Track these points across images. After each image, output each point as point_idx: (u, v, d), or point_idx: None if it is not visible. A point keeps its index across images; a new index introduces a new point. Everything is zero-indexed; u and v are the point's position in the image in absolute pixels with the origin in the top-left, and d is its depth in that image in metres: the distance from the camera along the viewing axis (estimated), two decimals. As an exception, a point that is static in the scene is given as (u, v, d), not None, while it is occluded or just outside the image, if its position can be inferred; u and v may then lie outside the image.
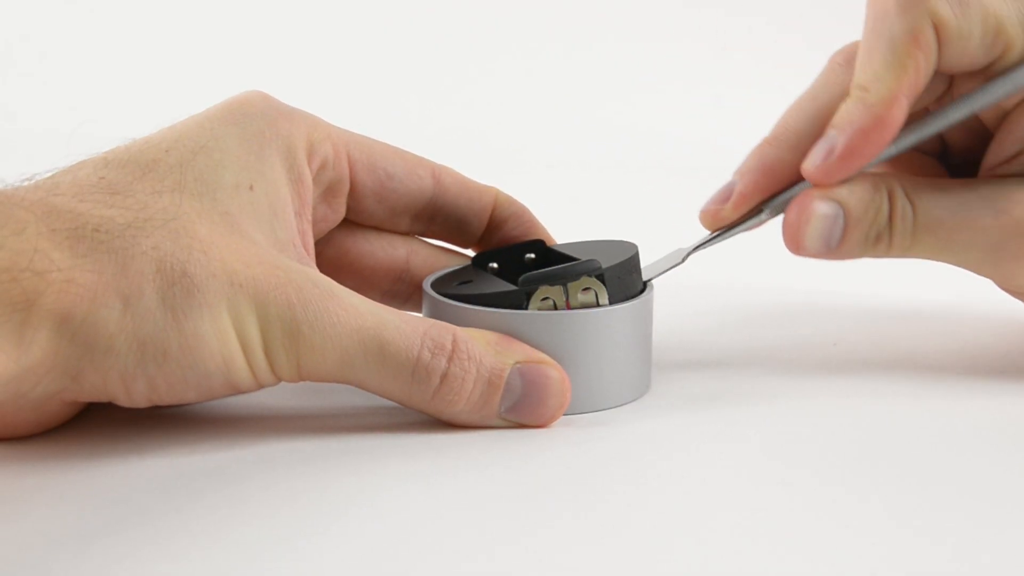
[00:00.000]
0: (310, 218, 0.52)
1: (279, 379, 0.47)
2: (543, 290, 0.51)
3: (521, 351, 0.49)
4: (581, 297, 0.51)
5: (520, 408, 0.49)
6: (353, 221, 0.55)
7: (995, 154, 0.54)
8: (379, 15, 1.26)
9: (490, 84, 1.21)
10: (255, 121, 0.50)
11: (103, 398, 0.46)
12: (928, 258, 0.54)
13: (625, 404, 0.53)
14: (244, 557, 0.41)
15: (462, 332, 0.49)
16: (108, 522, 0.43)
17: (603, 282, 0.51)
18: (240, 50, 1.22)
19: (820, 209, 0.52)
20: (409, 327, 0.48)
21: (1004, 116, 0.54)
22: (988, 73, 0.53)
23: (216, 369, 0.46)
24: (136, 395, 0.46)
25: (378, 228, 0.56)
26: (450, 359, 0.48)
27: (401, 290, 0.57)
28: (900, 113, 0.51)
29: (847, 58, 0.56)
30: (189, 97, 0.55)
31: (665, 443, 0.49)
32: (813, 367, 0.58)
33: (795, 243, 0.53)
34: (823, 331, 0.63)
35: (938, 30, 0.51)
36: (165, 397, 0.46)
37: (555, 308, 0.51)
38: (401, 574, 0.40)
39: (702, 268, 0.69)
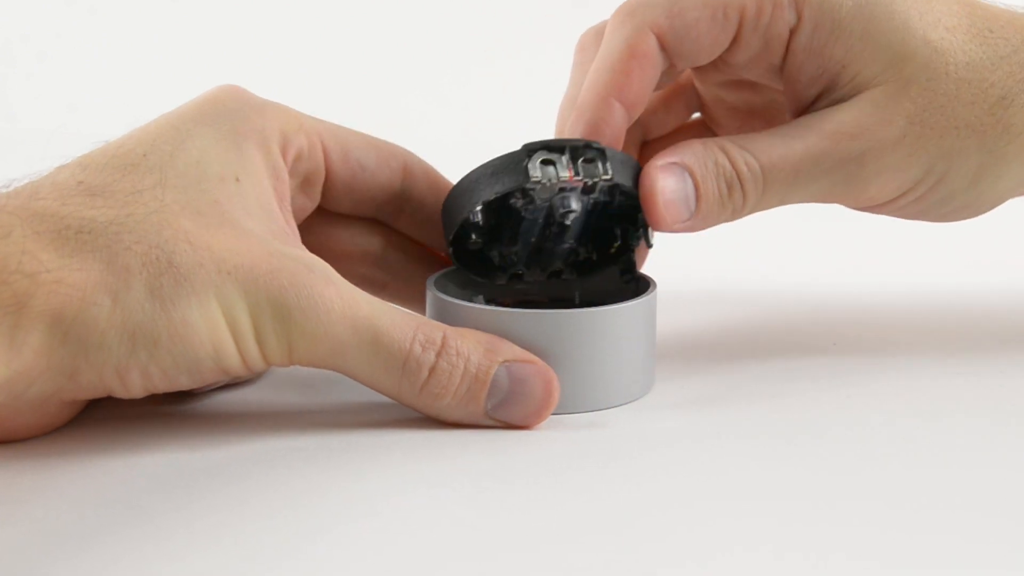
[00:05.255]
0: (290, 209, 0.52)
1: (270, 364, 0.48)
2: (544, 153, 0.51)
3: (510, 351, 0.50)
4: (584, 166, 0.51)
5: (506, 407, 0.49)
6: (324, 208, 0.55)
7: (796, 105, 0.55)
8: (381, 12, 1.26)
9: (490, 82, 1.21)
10: (229, 118, 0.51)
11: (101, 394, 0.47)
12: (781, 200, 0.54)
13: (629, 403, 0.53)
14: (244, 557, 0.41)
15: (452, 330, 0.49)
16: (108, 522, 0.43)
17: (604, 156, 0.51)
18: (242, 46, 1.22)
19: (663, 172, 0.52)
20: (402, 320, 0.48)
21: (779, 72, 0.55)
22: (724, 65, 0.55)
23: (206, 355, 0.46)
24: (132, 386, 0.46)
25: (346, 216, 0.56)
26: (439, 353, 0.48)
27: (378, 277, 0.57)
28: (611, 114, 0.53)
29: (596, 36, 0.57)
30: (190, 95, 0.55)
31: (661, 443, 0.49)
32: (812, 367, 0.58)
33: (658, 219, 0.53)
34: (822, 330, 0.63)
35: (660, 37, 0.53)
36: (160, 385, 0.47)
37: (556, 172, 0.51)
38: (401, 573, 0.40)
39: (702, 267, 0.69)
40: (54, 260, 0.44)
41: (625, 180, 0.52)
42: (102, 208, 0.46)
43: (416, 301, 0.55)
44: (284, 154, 0.51)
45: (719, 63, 0.55)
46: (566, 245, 0.55)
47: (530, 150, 0.51)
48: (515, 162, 0.51)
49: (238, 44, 1.23)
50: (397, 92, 1.18)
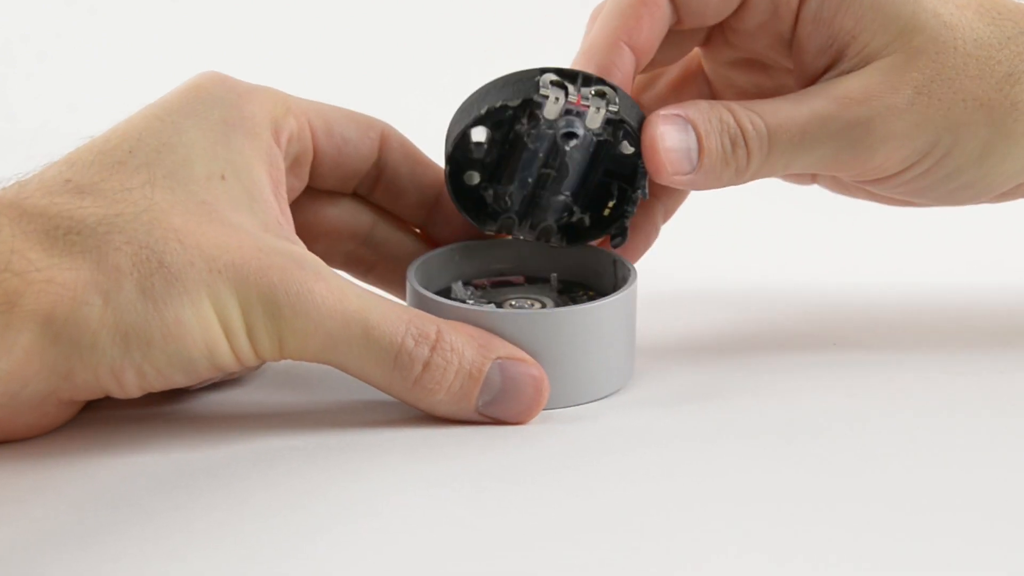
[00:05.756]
0: (285, 195, 0.52)
1: (262, 360, 0.48)
2: (557, 75, 0.51)
3: (502, 348, 0.50)
4: (593, 99, 0.52)
5: (497, 404, 0.49)
6: (310, 186, 0.55)
7: (804, 77, 0.55)
8: (381, 12, 1.25)
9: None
10: (216, 108, 0.50)
11: (98, 394, 0.47)
12: (787, 164, 0.54)
13: (613, 394, 0.53)
14: (244, 557, 0.41)
15: (446, 324, 0.49)
16: (108, 522, 0.43)
17: (615, 91, 0.52)
18: (246, 47, 1.22)
19: (666, 121, 0.52)
20: (394, 313, 0.48)
21: (788, 45, 0.55)
22: (730, 29, 0.55)
23: (200, 354, 0.46)
24: (128, 385, 0.46)
25: (330, 192, 0.56)
26: (433, 348, 0.48)
27: (365, 256, 0.57)
28: (621, 57, 0.53)
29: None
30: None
31: (657, 439, 0.50)
32: (812, 366, 0.57)
33: (658, 166, 0.53)
34: (822, 329, 0.63)
35: None
36: (156, 384, 0.47)
37: (566, 93, 0.51)
38: (400, 572, 0.40)
39: (701, 265, 0.69)
40: (43, 259, 0.44)
41: (631, 120, 0.52)
42: (91, 207, 0.46)
43: (404, 284, 0.55)
44: (277, 139, 0.51)
45: (728, 32, 0.55)
46: (561, 196, 0.55)
47: (543, 70, 0.52)
48: (527, 76, 0.52)
49: (242, 45, 1.23)
50: (397, 91, 1.18)
